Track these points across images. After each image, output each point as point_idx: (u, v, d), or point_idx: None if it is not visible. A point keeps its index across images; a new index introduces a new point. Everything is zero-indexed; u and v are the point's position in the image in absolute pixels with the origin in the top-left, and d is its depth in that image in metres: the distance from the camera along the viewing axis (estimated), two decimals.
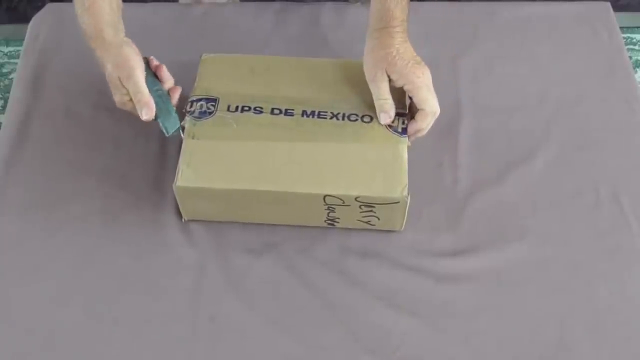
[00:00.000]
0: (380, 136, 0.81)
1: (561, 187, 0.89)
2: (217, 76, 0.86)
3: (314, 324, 0.78)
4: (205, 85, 0.86)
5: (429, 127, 0.83)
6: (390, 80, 0.80)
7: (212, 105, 0.83)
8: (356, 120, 0.82)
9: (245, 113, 0.82)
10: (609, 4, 1.09)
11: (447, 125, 0.94)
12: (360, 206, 0.78)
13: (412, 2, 1.06)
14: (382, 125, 0.81)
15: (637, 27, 1.88)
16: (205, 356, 0.76)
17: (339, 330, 0.78)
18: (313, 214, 0.81)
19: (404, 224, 0.83)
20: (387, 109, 0.81)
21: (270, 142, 0.80)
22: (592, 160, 0.92)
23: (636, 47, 1.86)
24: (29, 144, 0.91)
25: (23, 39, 1.03)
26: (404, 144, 0.80)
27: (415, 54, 0.81)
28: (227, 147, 0.80)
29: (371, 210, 0.79)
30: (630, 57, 1.58)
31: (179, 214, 0.85)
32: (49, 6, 1.06)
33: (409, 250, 0.83)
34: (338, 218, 0.82)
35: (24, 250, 0.83)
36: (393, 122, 0.81)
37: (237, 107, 0.83)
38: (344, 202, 0.78)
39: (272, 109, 0.82)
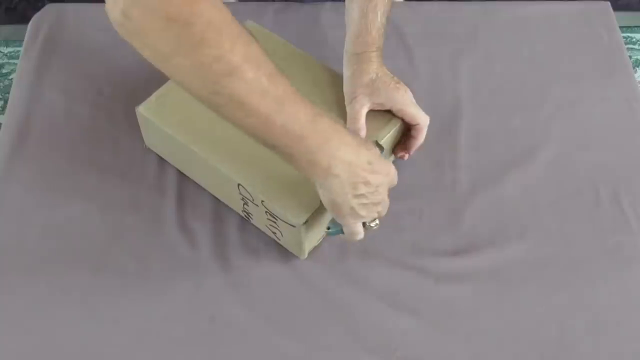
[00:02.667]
0: None
1: (561, 186, 0.89)
2: None
3: (314, 324, 0.78)
4: None
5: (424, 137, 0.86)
6: (372, 105, 0.81)
7: None
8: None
9: None
10: (608, 3, 1.09)
11: (447, 124, 0.94)
12: (266, 212, 0.78)
13: (412, 2, 1.07)
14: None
15: (637, 27, 1.88)
16: (205, 356, 0.76)
17: (339, 330, 0.78)
18: (232, 198, 0.82)
19: (305, 253, 0.81)
20: (357, 128, 0.81)
21: None
22: (592, 159, 0.92)
23: (636, 47, 1.86)
24: (29, 144, 0.91)
25: (23, 40, 1.03)
26: None
27: (392, 75, 0.83)
28: (197, 102, 0.82)
29: (275, 222, 0.79)
30: (630, 57, 1.58)
31: (179, 214, 0.85)
32: (49, 6, 1.06)
33: (409, 250, 0.83)
34: (251, 214, 0.82)
35: (24, 249, 0.83)
36: None
37: None
38: (252, 200, 0.78)
39: None
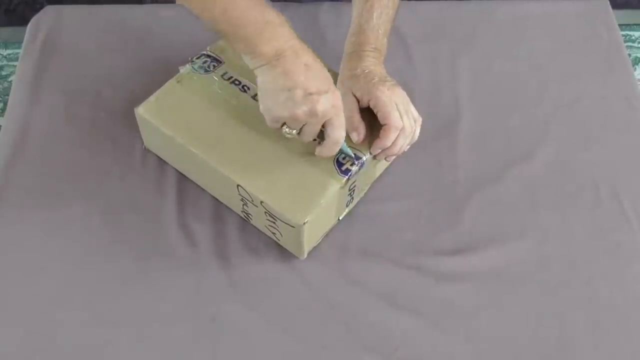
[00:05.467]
0: (323, 163, 0.79)
1: (561, 185, 0.89)
2: None
3: (314, 324, 0.78)
4: (223, 46, 0.88)
5: (400, 146, 0.80)
6: (358, 102, 0.80)
7: (214, 65, 0.87)
8: (315, 139, 0.78)
9: (233, 86, 0.85)
10: (607, 1, 1.09)
11: (446, 124, 0.94)
12: (265, 212, 0.78)
13: (411, 2, 1.07)
14: (333, 155, 0.79)
15: (636, 25, 1.88)
16: (206, 356, 0.76)
17: (339, 330, 0.78)
18: (232, 198, 0.82)
19: (304, 253, 0.81)
20: (355, 127, 0.79)
21: (231, 119, 0.82)
22: (592, 158, 0.92)
23: (635, 44, 1.86)
24: (29, 144, 0.91)
25: (22, 42, 1.03)
26: (338, 182, 0.77)
27: (386, 76, 0.81)
28: (196, 104, 0.83)
29: (274, 223, 0.79)
30: (629, 55, 1.58)
31: (179, 214, 0.85)
32: (48, 8, 1.06)
33: (409, 249, 0.83)
34: (251, 215, 0.82)
35: (24, 250, 0.83)
36: (344, 160, 0.79)
37: (230, 77, 0.85)
38: (252, 201, 0.78)
39: (255, 95, 0.83)
